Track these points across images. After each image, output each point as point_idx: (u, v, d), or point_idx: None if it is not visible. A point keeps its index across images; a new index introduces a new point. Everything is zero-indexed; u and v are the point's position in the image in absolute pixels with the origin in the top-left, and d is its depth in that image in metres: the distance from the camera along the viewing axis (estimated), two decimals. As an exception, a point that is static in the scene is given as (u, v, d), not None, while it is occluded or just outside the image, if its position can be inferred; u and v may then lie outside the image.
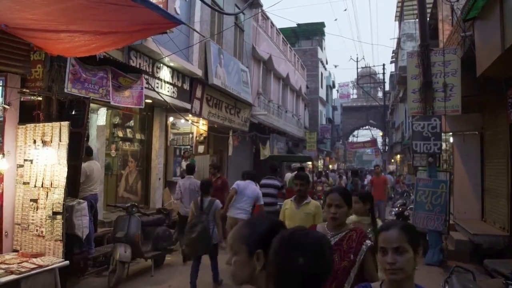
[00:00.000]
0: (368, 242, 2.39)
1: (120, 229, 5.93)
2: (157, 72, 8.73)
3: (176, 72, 9.53)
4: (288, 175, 11.72)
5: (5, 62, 4.70)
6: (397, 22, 26.66)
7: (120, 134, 8.80)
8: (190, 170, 7.63)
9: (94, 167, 6.37)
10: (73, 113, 5.24)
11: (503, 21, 5.01)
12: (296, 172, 8.01)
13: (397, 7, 24.81)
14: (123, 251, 5.60)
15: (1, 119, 5.01)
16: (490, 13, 5.59)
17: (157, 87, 8.58)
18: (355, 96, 49.31)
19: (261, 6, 15.55)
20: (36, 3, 3.28)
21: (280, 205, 4.87)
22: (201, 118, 11.04)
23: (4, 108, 4.93)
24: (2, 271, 3.97)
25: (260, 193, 6.65)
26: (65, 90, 5.25)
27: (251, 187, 6.57)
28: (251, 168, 16.12)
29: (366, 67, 38.22)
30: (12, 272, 3.97)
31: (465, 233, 7.69)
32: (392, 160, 33.74)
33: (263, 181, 7.64)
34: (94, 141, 7.46)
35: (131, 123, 9.35)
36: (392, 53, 29.96)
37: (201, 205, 5.42)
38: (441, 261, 7.08)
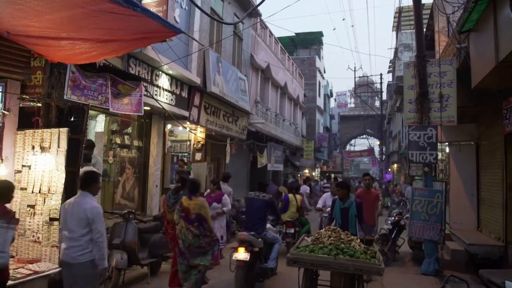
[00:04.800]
0: None
1: (117, 235, 5.94)
2: (156, 80, 8.79)
3: (174, 79, 9.59)
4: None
5: (5, 68, 4.74)
6: (394, 32, 26.95)
7: (118, 140, 8.82)
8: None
9: None
10: (72, 119, 5.26)
11: (497, 34, 5.11)
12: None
13: (394, 17, 25.10)
14: (119, 258, 5.60)
15: (0, 124, 5.03)
16: (485, 26, 5.69)
17: (155, 95, 8.62)
18: (352, 105, 49.52)
19: (260, 15, 15.69)
20: (39, 11, 3.32)
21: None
22: (199, 126, 11.07)
23: (3, 114, 4.96)
24: (-2, 276, 3.96)
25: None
26: (65, 97, 5.28)
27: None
28: (248, 176, 16.49)
29: (363, 76, 38.49)
30: (8, 278, 3.96)
31: (460, 243, 7.72)
32: (389, 169, 33.81)
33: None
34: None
35: (129, 130, 9.37)
36: (390, 63, 30.25)
37: None
38: (436, 271, 7.10)
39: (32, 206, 4.82)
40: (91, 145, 6.43)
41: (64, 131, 4.80)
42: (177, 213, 5.31)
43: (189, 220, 5.15)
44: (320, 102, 32.59)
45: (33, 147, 4.94)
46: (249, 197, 6.58)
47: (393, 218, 8.72)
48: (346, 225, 5.61)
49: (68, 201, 4.02)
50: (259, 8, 14.50)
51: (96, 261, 3.72)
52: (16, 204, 4.92)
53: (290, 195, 8.69)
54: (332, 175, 20.22)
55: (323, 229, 5.17)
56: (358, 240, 4.76)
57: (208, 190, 8.05)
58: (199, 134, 11.38)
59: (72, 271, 3.75)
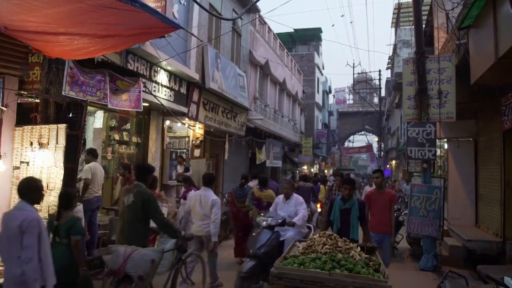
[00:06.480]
0: None
1: (114, 232, 5.94)
2: (154, 76, 8.75)
3: (173, 76, 9.56)
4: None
5: (3, 64, 4.71)
6: (393, 29, 26.92)
7: (117, 137, 8.79)
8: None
9: (98, 167, 6.40)
10: (70, 115, 5.26)
11: (496, 30, 5.10)
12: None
13: (393, 14, 25.06)
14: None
15: (-2, 120, 5.01)
16: (484, 22, 5.68)
17: (154, 91, 8.60)
18: (351, 102, 49.49)
19: (258, 11, 15.64)
20: (37, 6, 3.30)
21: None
22: (197, 122, 11.05)
23: (2, 110, 4.94)
24: (-3, 273, 3.96)
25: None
26: (63, 93, 5.26)
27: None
28: (247, 172, 16.37)
29: (362, 72, 38.47)
30: (7, 274, 3.95)
31: (459, 239, 7.75)
32: (388, 166, 33.87)
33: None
34: (91, 144, 7.46)
35: (128, 126, 9.35)
36: (388, 59, 30.25)
37: None
38: (435, 267, 7.12)
39: (31, 202, 4.80)
40: (94, 154, 6.46)
41: (62, 127, 4.79)
42: (249, 201, 7.08)
43: (260, 207, 6.90)
44: (318, 98, 32.57)
45: (31, 143, 4.93)
46: (300, 185, 10.15)
47: (391, 214, 8.73)
48: (347, 230, 4.92)
49: (193, 194, 5.89)
50: (257, 4, 14.45)
51: (211, 234, 5.39)
52: (14, 200, 4.91)
53: (322, 186, 12.00)
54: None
55: (317, 234, 4.36)
56: (359, 248, 4.03)
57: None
58: (198, 130, 11.37)
59: (200, 240, 5.53)
